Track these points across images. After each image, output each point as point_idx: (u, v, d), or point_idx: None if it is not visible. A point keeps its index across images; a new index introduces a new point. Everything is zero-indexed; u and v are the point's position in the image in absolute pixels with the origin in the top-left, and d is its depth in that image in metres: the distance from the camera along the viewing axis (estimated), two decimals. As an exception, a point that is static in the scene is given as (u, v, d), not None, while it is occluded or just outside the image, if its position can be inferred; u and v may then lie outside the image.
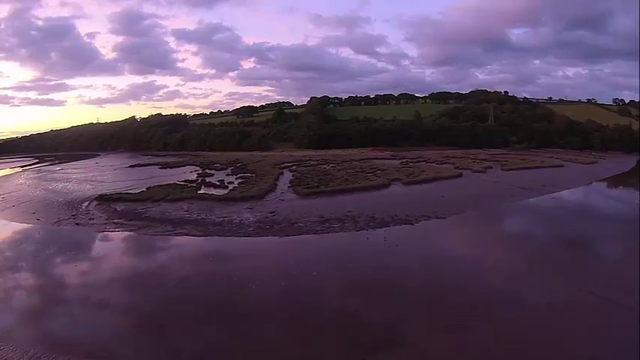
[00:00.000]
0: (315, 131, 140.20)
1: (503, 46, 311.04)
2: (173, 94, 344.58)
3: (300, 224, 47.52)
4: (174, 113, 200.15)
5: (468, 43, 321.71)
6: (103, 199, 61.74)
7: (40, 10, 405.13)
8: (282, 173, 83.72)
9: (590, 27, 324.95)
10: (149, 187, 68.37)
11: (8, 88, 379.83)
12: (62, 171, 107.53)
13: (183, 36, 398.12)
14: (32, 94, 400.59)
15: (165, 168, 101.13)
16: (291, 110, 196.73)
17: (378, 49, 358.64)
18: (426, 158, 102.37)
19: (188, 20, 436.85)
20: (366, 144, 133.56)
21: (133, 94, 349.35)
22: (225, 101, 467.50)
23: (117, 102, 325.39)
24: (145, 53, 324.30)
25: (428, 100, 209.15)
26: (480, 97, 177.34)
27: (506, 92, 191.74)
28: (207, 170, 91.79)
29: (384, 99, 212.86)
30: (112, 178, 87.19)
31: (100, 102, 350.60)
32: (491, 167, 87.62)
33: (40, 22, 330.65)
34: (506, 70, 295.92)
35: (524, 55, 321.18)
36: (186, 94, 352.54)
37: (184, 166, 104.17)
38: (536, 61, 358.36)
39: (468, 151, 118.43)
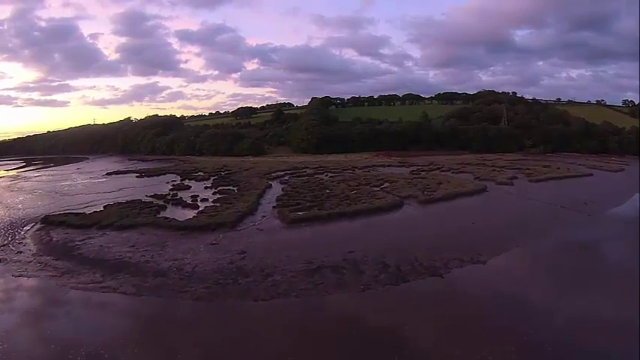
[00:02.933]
0: (314, 134, 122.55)
1: (506, 48, 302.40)
2: (176, 96, 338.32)
3: (278, 277, 31.47)
4: (169, 114, 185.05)
5: (472, 44, 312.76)
6: (47, 221, 49.36)
7: (42, 11, 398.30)
8: (270, 186, 67.70)
9: (595, 28, 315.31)
10: (107, 206, 55.74)
11: (11, 89, 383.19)
12: (36, 178, 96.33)
13: (186, 37, 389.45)
14: (35, 95, 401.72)
15: (142, 177, 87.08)
16: (292, 111, 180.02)
17: (381, 51, 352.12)
18: (438, 165, 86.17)
19: (191, 21, 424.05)
20: (369, 148, 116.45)
21: (136, 95, 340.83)
22: (229, 102, 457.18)
23: (120, 103, 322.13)
24: (148, 54, 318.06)
25: (434, 100, 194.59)
26: (489, 97, 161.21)
27: (514, 93, 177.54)
28: (185, 181, 77.11)
29: (389, 99, 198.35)
30: (79, 190, 74.07)
31: (103, 103, 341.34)
32: (516, 177, 72.52)
33: (42, 23, 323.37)
34: (510, 72, 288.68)
35: (528, 57, 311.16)
36: (189, 96, 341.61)
37: (164, 174, 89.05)
38: (540, 63, 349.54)
39: (483, 157, 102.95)
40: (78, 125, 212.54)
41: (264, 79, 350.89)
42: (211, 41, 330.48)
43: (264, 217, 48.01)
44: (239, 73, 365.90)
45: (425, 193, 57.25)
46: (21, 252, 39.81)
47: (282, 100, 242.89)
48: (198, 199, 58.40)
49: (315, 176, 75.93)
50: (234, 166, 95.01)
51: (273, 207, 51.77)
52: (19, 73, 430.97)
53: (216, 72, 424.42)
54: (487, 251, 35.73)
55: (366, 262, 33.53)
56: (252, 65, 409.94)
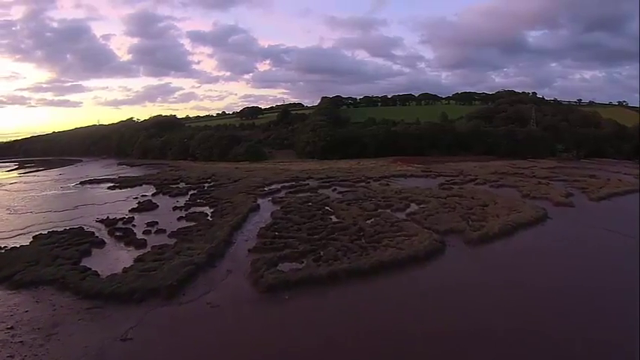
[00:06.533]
0: (321, 136, 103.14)
1: (519, 49, 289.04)
2: (188, 97, 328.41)
3: None
4: (170, 115, 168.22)
5: (485, 45, 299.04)
6: None
7: (54, 12, 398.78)
8: (256, 208, 49.84)
9: (608, 29, 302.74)
10: (37, 236, 41.54)
11: (24, 89, 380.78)
12: (9, 186, 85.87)
13: (198, 38, 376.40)
14: (49, 95, 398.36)
15: (114, 188, 72.23)
16: (300, 111, 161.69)
17: (393, 52, 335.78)
18: (471, 176, 67.66)
19: (203, 22, 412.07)
20: (385, 152, 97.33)
21: (149, 95, 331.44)
22: (240, 103, 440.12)
23: (132, 104, 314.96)
24: (160, 55, 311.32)
25: (451, 100, 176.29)
26: (511, 97, 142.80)
27: (534, 93, 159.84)
28: (157, 196, 61.77)
29: (404, 99, 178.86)
30: (32, 206, 61.09)
31: (115, 104, 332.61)
32: (572, 194, 54.30)
33: (55, 24, 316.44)
34: (523, 73, 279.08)
35: (541, 58, 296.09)
36: (201, 97, 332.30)
37: (140, 185, 73.19)
38: (554, 64, 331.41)
39: (515, 164, 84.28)
40: (84, 126, 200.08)
41: (276, 80, 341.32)
42: (223, 42, 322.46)
43: (229, 272, 29.92)
44: (251, 74, 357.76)
45: (471, 224, 39.06)
46: None
47: (293, 101, 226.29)
48: (153, 230, 42.02)
49: (319, 192, 57.74)
50: (223, 175, 77.38)
51: (249, 250, 33.88)
52: (32, 73, 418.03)
53: (228, 73, 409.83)
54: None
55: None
56: (264, 66, 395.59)
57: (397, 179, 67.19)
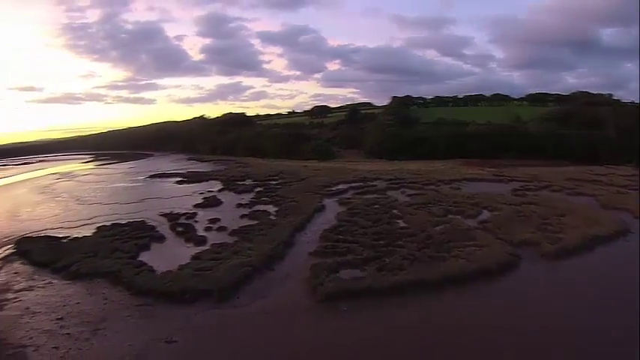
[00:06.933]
0: (389, 136, 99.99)
1: (593, 48, 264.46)
2: (259, 95, 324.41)
3: None
4: (238, 112, 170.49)
5: (556, 44, 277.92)
6: (18, 247, 37.90)
7: (128, 15, 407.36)
8: (322, 208, 48.01)
9: None
10: (100, 228, 42.66)
11: (102, 87, 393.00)
12: (81, 178, 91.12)
13: (268, 38, 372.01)
14: (124, 93, 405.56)
15: (182, 183, 73.48)
16: (370, 111, 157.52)
17: (463, 51, 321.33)
18: (545, 181, 62.66)
19: (271, 23, 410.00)
20: (454, 154, 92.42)
21: (221, 94, 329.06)
22: (310, 102, 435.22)
23: (205, 101, 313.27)
24: (231, 55, 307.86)
25: (524, 101, 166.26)
26: (585, 99, 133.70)
27: (610, 95, 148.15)
28: (223, 192, 61.70)
29: (475, 100, 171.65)
30: (101, 198, 63.37)
31: (188, 101, 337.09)
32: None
33: (129, 26, 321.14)
34: (596, 74, 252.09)
35: (616, 58, 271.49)
36: (272, 95, 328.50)
37: (207, 180, 73.18)
38: (629, 64, 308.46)
39: (592, 170, 77.02)
40: (157, 122, 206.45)
41: (346, 80, 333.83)
42: (293, 42, 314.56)
43: (287, 276, 28.21)
44: (321, 74, 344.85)
45: (546, 235, 35.37)
46: None
47: (363, 101, 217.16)
48: (215, 227, 41.15)
49: (387, 194, 55.05)
50: (290, 173, 76.34)
51: (310, 254, 32.06)
52: (108, 72, 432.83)
53: (299, 72, 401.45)
54: None
55: None
56: (333, 66, 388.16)
57: (468, 183, 63.20)
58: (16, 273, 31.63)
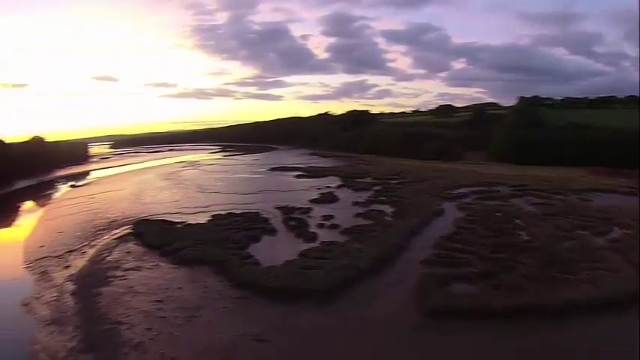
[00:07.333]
0: (516, 139, 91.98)
1: None
2: (384, 93, 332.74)
3: None
4: (362, 110, 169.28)
5: None
6: (135, 228, 40.24)
7: (255, 16, 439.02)
8: (440, 212, 43.56)
9: None
10: (215, 216, 44.05)
11: (231, 84, 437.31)
12: (206, 167, 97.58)
13: (392, 37, 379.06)
14: (252, 89, 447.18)
15: (301, 177, 73.42)
16: (497, 112, 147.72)
17: (594, 49, 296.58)
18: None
19: (393, 21, 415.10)
20: (585, 161, 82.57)
21: (346, 91, 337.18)
22: (435, 101, 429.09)
23: (330, 99, 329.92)
24: (356, 53, 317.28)
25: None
26: None
27: None
28: (341, 188, 60.00)
29: (607, 102, 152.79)
30: (221, 187, 66.16)
31: (314, 98, 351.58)
32: None
33: (256, 27, 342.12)
34: None
35: None
36: (396, 94, 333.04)
37: (326, 176, 72.01)
38: None
39: None
40: (283, 117, 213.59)
41: (471, 79, 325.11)
42: (417, 40, 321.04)
43: (395, 283, 24.99)
44: (446, 73, 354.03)
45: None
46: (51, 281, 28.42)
47: (490, 101, 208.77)
48: (327, 224, 39.39)
49: (511, 201, 49.23)
50: (411, 172, 72.48)
51: (421, 262, 28.54)
52: (237, 70, 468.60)
53: (423, 71, 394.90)
54: None
55: None
56: (459, 64, 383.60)
57: (597, 194, 55.31)
58: (128, 252, 33.08)
